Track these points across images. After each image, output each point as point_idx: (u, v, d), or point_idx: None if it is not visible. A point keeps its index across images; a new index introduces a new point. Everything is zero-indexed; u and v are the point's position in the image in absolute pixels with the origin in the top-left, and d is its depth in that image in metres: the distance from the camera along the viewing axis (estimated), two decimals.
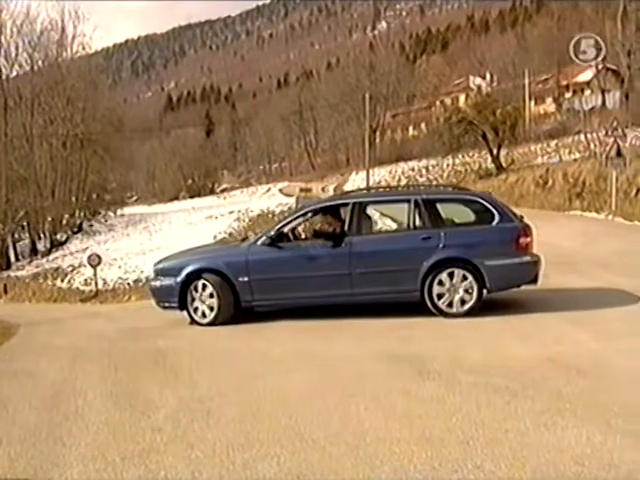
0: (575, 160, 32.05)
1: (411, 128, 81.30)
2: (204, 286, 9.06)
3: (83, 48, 47.63)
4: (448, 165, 48.09)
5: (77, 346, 9.24)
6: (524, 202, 26.16)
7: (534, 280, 8.81)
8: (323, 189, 55.61)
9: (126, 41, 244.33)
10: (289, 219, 9.58)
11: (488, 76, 76.04)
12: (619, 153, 20.17)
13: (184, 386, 6.23)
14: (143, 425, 5.12)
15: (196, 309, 9.16)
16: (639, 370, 5.96)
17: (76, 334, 10.98)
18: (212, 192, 77.68)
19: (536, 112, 65.84)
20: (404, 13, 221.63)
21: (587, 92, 66.62)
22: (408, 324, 8.29)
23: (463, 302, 8.50)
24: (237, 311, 9.12)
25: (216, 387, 6.13)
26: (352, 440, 4.51)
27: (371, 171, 53.17)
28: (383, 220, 13.53)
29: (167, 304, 9.52)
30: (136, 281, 24.60)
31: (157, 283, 9.70)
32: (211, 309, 9.07)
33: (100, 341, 9.42)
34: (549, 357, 6.42)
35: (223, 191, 79.80)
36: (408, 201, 9.06)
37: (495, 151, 38.99)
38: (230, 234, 28.59)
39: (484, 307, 8.57)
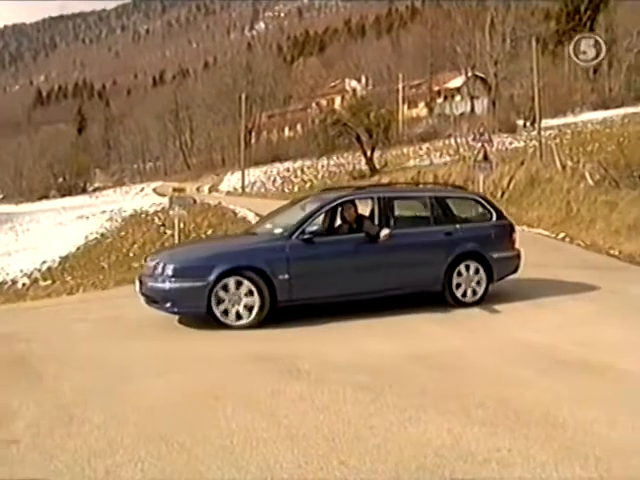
0: (445, 163, 33.20)
1: (287, 129, 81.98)
2: (238, 285, 8.16)
3: None
4: (323, 166, 48.70)
5: None
6: None
7: (516, 271, 9.74)
8: (198, 189, 55.36)
9: None
10: (318, 213, 9.00)
11: (363, 79, 77.74)
12: (486, 157, 21.02)
13: (47, 393, 5.95)
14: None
15: (226, 311, 8.17)
16: (498, 364, 6.28)
17: None
18: (84, 191, 75.52)
19: (409, 116, 67.93)
20: (282, 15, 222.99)
21: (457, 98, 69.45)
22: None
23: (474, 292, 9.15)
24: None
25: (82, 393, 5.90)
26: (219, 442, 4.47)
27: (246, 171, 53.15)
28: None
29: (190, 309, 8.38)
30: (1, 284, 23.47)
31: (172, 285, 8.25)
32: (249, 310, 8.19)
33: None
34: (417, 355, 6.61)
35: (95, 190, 77.74)
36: (425, 198, 9.53)
37: (369, 153, 39.78)
38: (102, 234, 27.86)
39: (356, 307, 8.73)
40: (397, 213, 9.35)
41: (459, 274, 9.08)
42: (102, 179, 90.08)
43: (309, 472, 4.00)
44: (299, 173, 51.78)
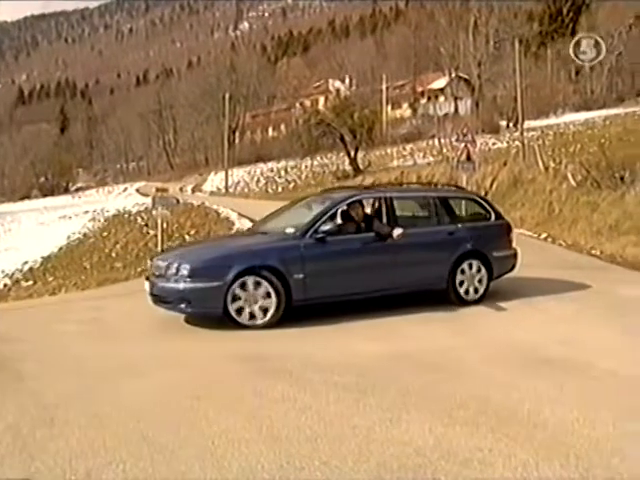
0: (429, 163, 33.29)
1: (271, 129, 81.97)
2: (255, 285, 8.06)
3: None
4: (307, 166, 48.71)
5: None
6: None
7: (513, 269, 9.99)
8: (181, 189, 55.21)
9: None
10: (330, 212, 8.96)
11: (347, 80, 77.75)
12: (469, 158, 21.05)
13: (28, 394, 5.90)
14: None
15: (242, 311, 8.05)
16: (483, 363, 6.31)
17: None
18: (66, 191, 75.02)
19: (393, 116, 68.02)
20: (266, 14, 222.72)
21: (441, 99, 69.73)
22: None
23: (476, 290, 9.35)
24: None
25: (63, 393, 5.85)
26: (201, 442, 4.45)
27: (230, 171, 53.08)
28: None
29: (206, 309, 8.24)
30: None
31: (188, 285, 8.07)
32: (265, 310, 8.10)
33: None
34: (400, 354, 6.63)
35: (78, 190, 77.27)
36: (428, 198, 9.74)
37: (352, 153, 39.79)
38: (85, 234, 27.68)
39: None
40: (403, 213, 9.50)
41: (462, 273, 9.27)
42: (85, 179, 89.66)
43: (290, 472, 3.99)
44: (283, 173, 51.77)
